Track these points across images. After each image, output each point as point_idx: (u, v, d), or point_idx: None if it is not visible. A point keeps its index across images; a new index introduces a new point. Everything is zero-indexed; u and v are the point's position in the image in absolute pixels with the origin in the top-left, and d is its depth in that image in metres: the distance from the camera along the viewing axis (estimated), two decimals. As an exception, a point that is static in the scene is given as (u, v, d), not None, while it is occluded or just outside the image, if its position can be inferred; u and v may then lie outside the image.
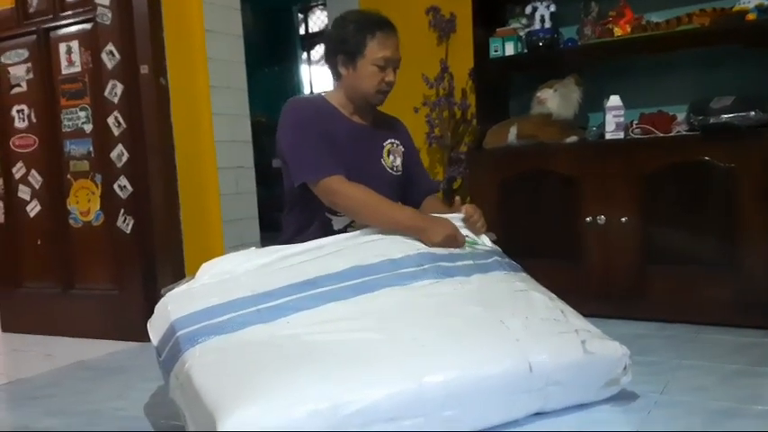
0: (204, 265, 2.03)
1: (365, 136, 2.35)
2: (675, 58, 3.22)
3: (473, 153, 3.43)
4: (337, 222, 2.30)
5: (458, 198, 2.43)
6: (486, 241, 2.28)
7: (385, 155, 2.38)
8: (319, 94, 2.40)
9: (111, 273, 3.30)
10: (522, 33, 3.41)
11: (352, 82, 2.29)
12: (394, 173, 2.38)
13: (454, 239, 2.16)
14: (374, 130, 2.39)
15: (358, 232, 2.17)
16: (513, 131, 3.24)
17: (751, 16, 2.85)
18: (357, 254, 2.02)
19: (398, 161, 2.42)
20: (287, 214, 2.39)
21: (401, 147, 2.45)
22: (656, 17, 3.16)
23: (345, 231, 2.28)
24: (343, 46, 2.26)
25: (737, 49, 3.01)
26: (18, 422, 2.28)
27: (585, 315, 2.04)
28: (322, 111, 2.30)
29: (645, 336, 2.73)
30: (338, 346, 1.69)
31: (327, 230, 2.27)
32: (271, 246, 2.13)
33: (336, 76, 2.34)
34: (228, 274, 1.96)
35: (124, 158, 3.18)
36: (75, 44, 3.28)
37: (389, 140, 2.41)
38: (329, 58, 2.33)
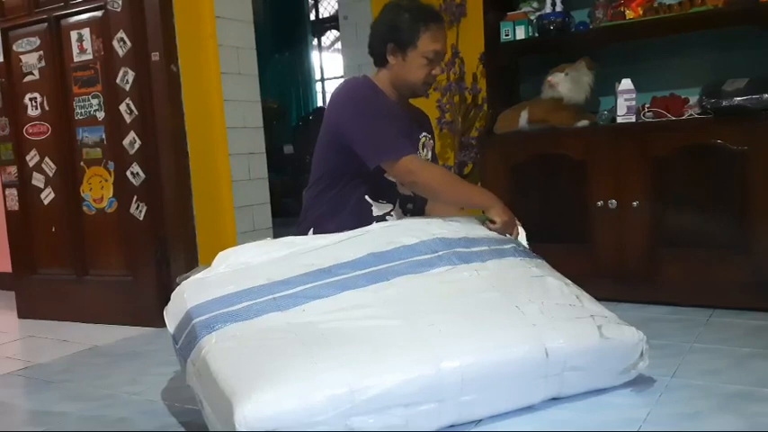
0: (219, 254, 2.05)
1: (408, 125, 2.34)
2: (688, 41, 3.19)
3: (484, 138, 3.42)
4: (378, 209, 2.29)
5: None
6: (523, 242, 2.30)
7: (420, 147, 2.38)
8: (367, 77, 2.32)
9: (124, 259, 3.33)
10: (532, 17, 3.38)
11: (399, 71, 2.26)
12: None
13: (511, 226, 2.23)
14: (413, 121, 2.39)
15: (376, 225, 2.17)
16: (524, 116, 3.24)
17: (765, -3, 2.81)
18: (372, 241, 2.02)
19: (430, 154, 2.43)
20: (318, 195, 2.32)
21: (431, 141, 2.46)
22: (668, -1, 3.13)
23: (383, 219, 2.27)
24: (394, 34, 2.23)
25: (751, 30, 2.98)
26: (35, 406, 2.32)
27: (597, 299, 2.04)
28: (381, 93, 2.27)
29: (657, 319, 2.74)
30: (355, 332, 1.70)
31: (364, 215, 2.26)
32: (287, 234, 2.14)
33: (382, 63, 2.30)
34: (244, 264, 1.97)
35: (136, 145, 3.20)
36: (86, 32, 3.28)
37: (423, 133, 2.42)
38: (376, 45, 2.28)
